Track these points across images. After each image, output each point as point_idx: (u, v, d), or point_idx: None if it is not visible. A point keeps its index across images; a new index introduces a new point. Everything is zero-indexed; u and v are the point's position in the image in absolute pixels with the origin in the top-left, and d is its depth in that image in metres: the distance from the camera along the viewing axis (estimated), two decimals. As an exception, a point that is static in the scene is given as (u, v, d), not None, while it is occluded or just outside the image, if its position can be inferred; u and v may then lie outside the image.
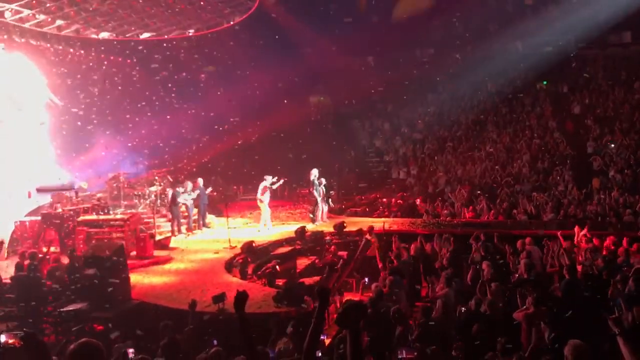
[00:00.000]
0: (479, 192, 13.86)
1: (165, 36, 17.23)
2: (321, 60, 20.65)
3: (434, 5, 17.32)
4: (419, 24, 18.05)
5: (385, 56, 21.07)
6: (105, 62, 18.48)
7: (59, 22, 15.37)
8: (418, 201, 14.43)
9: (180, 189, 12.80)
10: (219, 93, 19.43)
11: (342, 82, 20.60)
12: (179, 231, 12.69)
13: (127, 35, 16.86)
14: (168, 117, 17.89)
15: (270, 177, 12.98)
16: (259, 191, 12.80)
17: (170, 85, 18.93)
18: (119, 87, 18.33)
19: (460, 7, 16.98)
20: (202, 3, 15.50)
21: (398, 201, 15.07)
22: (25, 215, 12.46)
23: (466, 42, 18.13)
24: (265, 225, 12.77)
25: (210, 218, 13.86)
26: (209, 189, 13.76)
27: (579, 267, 7.97)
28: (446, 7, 17.05)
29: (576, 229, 9.66)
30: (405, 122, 19.65)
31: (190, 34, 17.60)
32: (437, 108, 19.66)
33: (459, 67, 18.21)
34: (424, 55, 20.14)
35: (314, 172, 13.15)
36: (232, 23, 17.07)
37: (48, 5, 14.34)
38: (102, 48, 17.72)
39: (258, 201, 12.86)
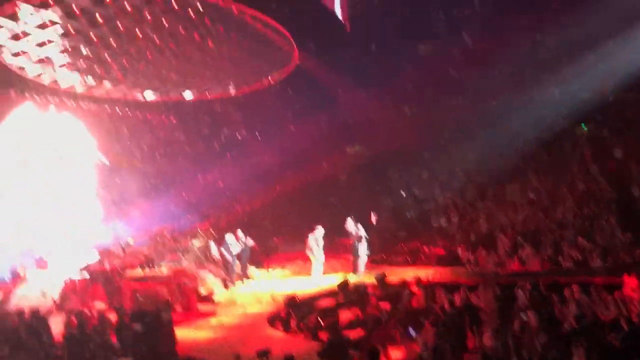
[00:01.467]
0: (522, 239, 13.60)
1: (208, 95, 17.88)
2: (358, 111, 20.97)
3: (469, 54, 17.50)
4: (456, 72, 18.26)
5: (421, 105, 21.20)
6: (150, 121, 19.25)
7: (106, 84, 16.17)
8: (460, 250, 14.24)
9: (223, 242, 13.04)
10: (258, 147, 19.91)
11: (379, 132, 20.79)
12: (223, 284, 12.83)
13: (170, 95, 17.56)
14: (209, 171, 18.35)
15: (321, 227, 13.16)
16: (310, 242, 12.99)
17: (212, 140, 19.51)
18: (162, 144, 18.98)
19: (497, 56, 17.10)
20: (243, 63, 16.10)
21: (439, 250, 14.91)
22: (76, 272, 12.82)
23: (503, 89, 18.15)
24: (316, 276, 12.89)
25: (251, 270, 14.00)
26: (250, 241, 13.94)
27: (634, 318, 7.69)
28: (482, 56, 17.21)
29: (625, 278, 9.36)
30: (443, 170, 19.58)
31: (232, 92, 18.21)
32: (476, 155, 19.56)
33: (497, 115, 18.20)
34: (461, 103, 20.22)
35: (350, 222, 13.26)
36: (272, 80, 17.62)
37: (97, 69, 15.13)
38: (146, 107, 18.50)
39: (308, 251, 13.03)
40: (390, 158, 21.25)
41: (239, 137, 20.79)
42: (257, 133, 21.40)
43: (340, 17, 15.39)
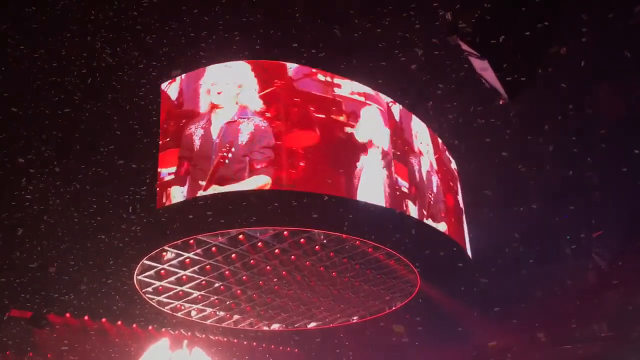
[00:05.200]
0: None
1: (331, 325, 17.87)
2: (486, 337, 19.77)
3: (609, 280, 16.41)
4: (594, 296, 17.03)
5: (557, 330, 19.56)
6: (273, 350, 19.29)
7: (236, 317, 16.72)
8: None
9: None
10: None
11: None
12: None
13: (295, 326, 17.73)
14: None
15: None
16: None
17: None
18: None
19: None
20: (365, 292, 16.22)
21: None
22: None
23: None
24: None
25: None
26: None
27: None
28: (626, 281, 16.05)
29: None
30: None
31: (354, 321, 18.08)
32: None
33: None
34: (603, 330, 18.41)
35: None
36: (394, 308, 17.40)
37: (227, 302, 15.81)
38: (271, 339, 18.69)
39: None
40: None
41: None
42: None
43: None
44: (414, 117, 13.13)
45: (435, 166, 13.84)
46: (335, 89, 11.45)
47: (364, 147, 11.63)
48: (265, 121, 10.63)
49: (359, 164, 11.42)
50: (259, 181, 10.31)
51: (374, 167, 11.72)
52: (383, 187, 11.70)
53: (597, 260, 16.22)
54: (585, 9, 9.29)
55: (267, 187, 10.34)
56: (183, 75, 10.85)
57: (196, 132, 10.50)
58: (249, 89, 10.75)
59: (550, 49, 7.86)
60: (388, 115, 12.33)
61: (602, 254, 15.97)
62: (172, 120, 10.83)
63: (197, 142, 10.45)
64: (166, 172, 10.48)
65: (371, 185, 11.51)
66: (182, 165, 10.41)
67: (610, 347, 17.58)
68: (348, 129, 11.46)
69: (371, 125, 11.85)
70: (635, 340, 16.63)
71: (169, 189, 10.35)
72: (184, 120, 10.69)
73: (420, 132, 13.36)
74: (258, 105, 10.71)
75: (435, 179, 13.69)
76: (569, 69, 10.34)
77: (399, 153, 12.39)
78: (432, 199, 13.35)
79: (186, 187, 10.27)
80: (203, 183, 10.17)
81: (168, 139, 10.69)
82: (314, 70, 11.28)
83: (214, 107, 10.69)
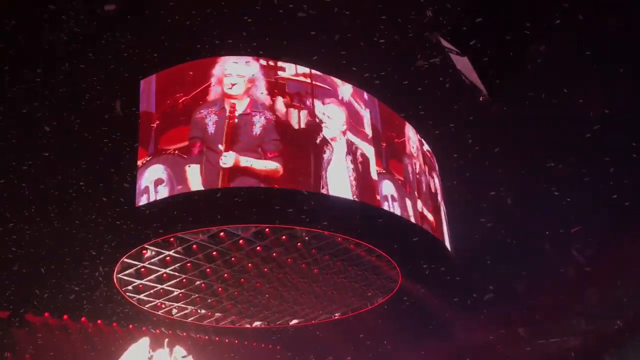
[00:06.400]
0: None
1: (313, 321, 17.87)
2: (468, 334, 19.92)
3: (588, 275, 16.59)
4: (573, 291, 17.22)
5: (537, 326, 19.80)
6: (254, 348, 19.25)
7: (217, 314, 16.64)
8: None
9: None
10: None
11: (493, 356, 19.44)
12: None
13: (277, 323, 17.71)
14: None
15: None
16: None
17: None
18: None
19: (619, 278, 16.07)
20: (347, 288, 16.22)
21: None
22: None
23: (631, 310, 16.69)
24: None
25: None
26: None
27: None
28: (604, 276, 16.24)
29: None
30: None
31: (336, 317, 18.10)
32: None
33: (625, 337, 16.56)
34: (581, 324, 18.66)
35: None
36: (375, 304, 17.44)
37: (209, 300, 15.72)
38: (253, 336, 18.65)
39: None
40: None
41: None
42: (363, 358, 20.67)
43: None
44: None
45: (417, 160, 13.95)
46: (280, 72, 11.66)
47: (329, 140, 11.81)
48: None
49: (325, 156, 11.61)
50: (271, 165, 10.84)
51: (340, 159, 11.87)
52: (349, 180, 11.79)
53: (575, 256, 16.40)
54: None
55: (279, 173, 10.82)
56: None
57: (209, 116, 10.85)
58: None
59: (530, 47, 7.90)
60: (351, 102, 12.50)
61: (581, 249, 16.15)
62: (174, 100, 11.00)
63: (210, 126, 10.82)
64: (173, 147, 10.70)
65: (339, 178, 11.68)
66: (194, 145, 10.70)
67: (589, 341, 17.86)
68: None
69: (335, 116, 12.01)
70: (614, 336, 16.90)
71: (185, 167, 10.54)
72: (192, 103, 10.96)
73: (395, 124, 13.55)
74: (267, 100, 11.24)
75: (414, 172, 13.78)
76: (549, 64, 10.41)
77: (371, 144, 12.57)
78: (411, 192, 13.45)
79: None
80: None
81: (174, 118, 10.93)
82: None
83: (226, 96, 11.02)
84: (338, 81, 12.27)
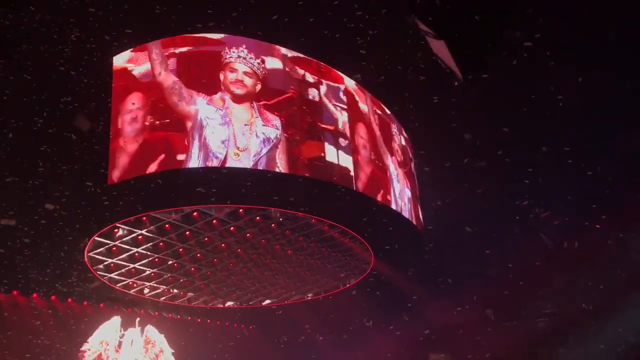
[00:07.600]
0: None
1: (286, 302, 17.95)
2: (439, 316, 20.21)
3: (555, 260, 16.93)
4: (540, 274, 17.56)
5: (505, 309, 20.16)
6: (227, 328, 19.31)
7: (189, 294, 16.60)
8: None
9: None
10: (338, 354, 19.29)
11: (463, 337, 19.77)
12: None
13: (250, 303, 17.75)
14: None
15: None
16: None
17: (285, 347, 19.14)
18: (240, 353, 18.76)
19: (585, 263, 16.42)
20: (320, 269, 16.30)
21: None
22: None
23: (595, 293, 17.11)
24: None
25: None
26: None
27: None
28: (570, 260, 16.58)
29: None
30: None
31: (309, 298, 18.21)
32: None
33: (591, 319, 16.99)
34: (549, 307, 19.08)
35: None
36: (348, 285, 17.58)
37: (181, 280, 15.67)
38: (225, 315, 18.68)
39: None
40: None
41: (317, 345, 20.26)
42: (335, 339, 20.85)
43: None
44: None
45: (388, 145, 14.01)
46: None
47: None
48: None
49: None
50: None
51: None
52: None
53: (544, 240, 16.70)
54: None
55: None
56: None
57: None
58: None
59: (506, 32, 7.95)
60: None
61: (549, 234, 16.45)
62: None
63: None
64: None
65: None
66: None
67: (555, 323, 18.27)
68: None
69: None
70: (579, 318, 17.31)
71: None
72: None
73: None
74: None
75: (386, 154, 13.85)
76: (525, 51, 10.50)
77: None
78: (383, 175, 13.54)
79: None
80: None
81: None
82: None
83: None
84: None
